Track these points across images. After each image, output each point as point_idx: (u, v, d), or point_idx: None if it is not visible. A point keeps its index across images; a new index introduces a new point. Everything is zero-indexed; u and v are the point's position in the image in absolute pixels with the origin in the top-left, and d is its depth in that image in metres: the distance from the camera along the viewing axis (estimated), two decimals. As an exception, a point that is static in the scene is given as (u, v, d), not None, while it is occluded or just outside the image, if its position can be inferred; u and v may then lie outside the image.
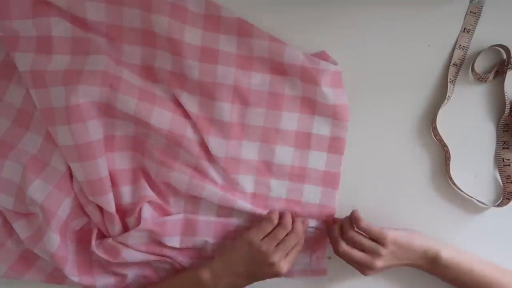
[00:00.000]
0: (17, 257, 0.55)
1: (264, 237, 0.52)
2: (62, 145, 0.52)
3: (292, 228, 0.54)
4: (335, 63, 0.55)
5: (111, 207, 0.53)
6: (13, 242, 0.55)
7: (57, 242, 0.52)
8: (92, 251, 0.54)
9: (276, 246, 0.52)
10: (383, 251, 0.51)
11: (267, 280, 0.54)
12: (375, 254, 0.51)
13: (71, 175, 0.54)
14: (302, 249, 0.56)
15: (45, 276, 0.56)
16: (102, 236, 0.56)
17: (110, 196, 0.53)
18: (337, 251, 0.53)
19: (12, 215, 0.54)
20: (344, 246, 0.52)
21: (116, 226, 0.54)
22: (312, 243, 0.58)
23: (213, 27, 0.54)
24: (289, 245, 0.52)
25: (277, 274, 0.52)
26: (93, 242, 0.54)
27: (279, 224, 0.54)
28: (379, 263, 0.51)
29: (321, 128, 0.56)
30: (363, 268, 0.52)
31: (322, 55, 0.55)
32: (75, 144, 0.51)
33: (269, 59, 0.54)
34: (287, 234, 0.53)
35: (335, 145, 0.56)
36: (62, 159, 0.53)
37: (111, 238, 0.54)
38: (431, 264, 0.52)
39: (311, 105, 0.55)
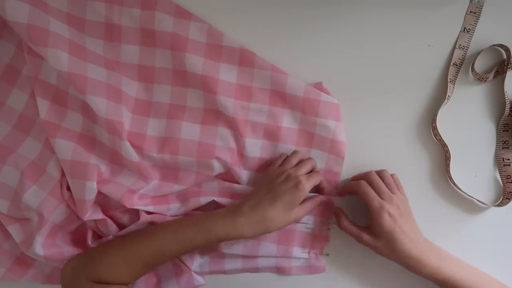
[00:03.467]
0: (14, 260, 0.55)
1: None
2: (60, 158, 0.52)
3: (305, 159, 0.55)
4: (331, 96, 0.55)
5: (98, 216, 0.53)
6: (10, 244, 0.55)
7: (42, 248, 0.52)
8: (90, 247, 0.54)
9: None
10: (397, 201, 0.51)
11: (266, 277, 0.54)
12: (388, 198, 0.51)
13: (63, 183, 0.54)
14: (300, 245, 0.57)
15: (44, 277, 0.56)
16: (98, 237, 0.56)
17: (89, 214, 0.53)
18: (357, 185, 0.53)
19: (6, 219, 0.54)
20: (364, 183, 0.53)
21: (110, 227, 0.54)
22: (310, 240, 0.58)
23: (215, 55, 0.54)
24: (305, 168, 0.53)
25: (298, 186, 0.50)
26: (89, 241, 0.54)
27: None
28: (390, 206, 0.50)
29: (317, 161, 0.56)
30: (374, 205, 0.51)
31: (318, 86, 0.55)
32: (71, 160, 0.51)
33: (270, 89, 0.54)
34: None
35: (330, 178, 0.57)
36: (57, 166, 0.53)
37: (111, 235, 0.54)
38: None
39: (309, 137, 0.56)
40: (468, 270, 0.53)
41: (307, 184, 0.51)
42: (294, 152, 0.55)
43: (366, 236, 0.53)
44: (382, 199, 0.51)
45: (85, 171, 0.51)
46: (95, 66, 0.52)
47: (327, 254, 0.58)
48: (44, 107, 0.52)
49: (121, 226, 0.55)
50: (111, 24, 0.53)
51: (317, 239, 0.58)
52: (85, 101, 0.51)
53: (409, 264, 0.52)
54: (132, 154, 0.53)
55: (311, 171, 0.54)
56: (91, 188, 0.51)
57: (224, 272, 0.58)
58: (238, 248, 0.57)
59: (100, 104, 0.51)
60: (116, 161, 0.55)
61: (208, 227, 0.50)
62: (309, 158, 0.55)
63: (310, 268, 0.58)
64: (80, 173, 0.51)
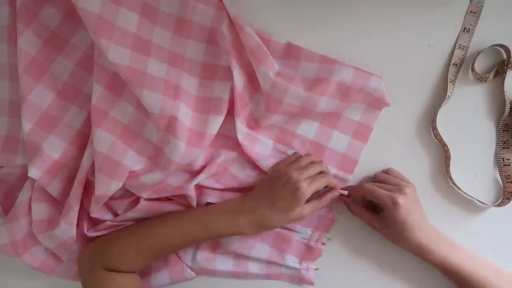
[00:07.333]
0: (22, 235, 0.55)
1: None
2: (95, 148, 0.51)
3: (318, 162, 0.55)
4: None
5: (108, 217, 0.56)
6: (26, 220, 0.55)
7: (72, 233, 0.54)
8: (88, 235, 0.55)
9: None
10: (407, 189, 0.51)
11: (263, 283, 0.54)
12: (398, 190, 0.52)
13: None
14: (293, 253, 0.58)
15: (38, 263, 0.57)
16: (94, 224, 0.57)
17: (107, 213, 0.54)
18: (361, 188, 0.54)
19: (38, 194, 0.54)
20: (367, 184, 0.54)
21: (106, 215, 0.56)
22: (304, 251, 0.58)
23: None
24: (312, 171, 0.53)
25: (296, 192, 0.51)
26: (85, 228, 0.55)
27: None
28: (402, 198, 0.50)
29: (337, 145, 0.56)
30: (387, 203, 0.51)
31: None
32: (105, 155, 0.51)
33: (315, 79, 0.54)
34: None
35: (347, 165, 0.57)
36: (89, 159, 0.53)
37: (108, 221, 0.55)
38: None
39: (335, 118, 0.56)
40: (481, 264, 0.52)
41: (308, 190, 0.51)
42: (306, 155, 0.56)
43: (377, 224, 0.54)
44: (391, 191, 0.51)
45: (114, 170, 0.51)
46: (156, 61, 0.51)
47: (317, 268, 0.59)
48: (97, 92, 0.51)
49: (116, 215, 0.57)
50: (183, 18, 0.52)
51: (310, 251, 0.58)
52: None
53: (416, 251, 0.53)
54: (177, 154, 0.51)
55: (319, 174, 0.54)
56: (115, 186, 0.52)
57: (214, 272, 0.59)
58: (233, 243, 0.57)
59: (155, 99, 0.50)
60: (154, 160, 0.54)
61: (210, 225, 0.52)
62: (319, 162, 0.55)
63: (299, 278, 0.59)
64: (109, 170, 0.51)
